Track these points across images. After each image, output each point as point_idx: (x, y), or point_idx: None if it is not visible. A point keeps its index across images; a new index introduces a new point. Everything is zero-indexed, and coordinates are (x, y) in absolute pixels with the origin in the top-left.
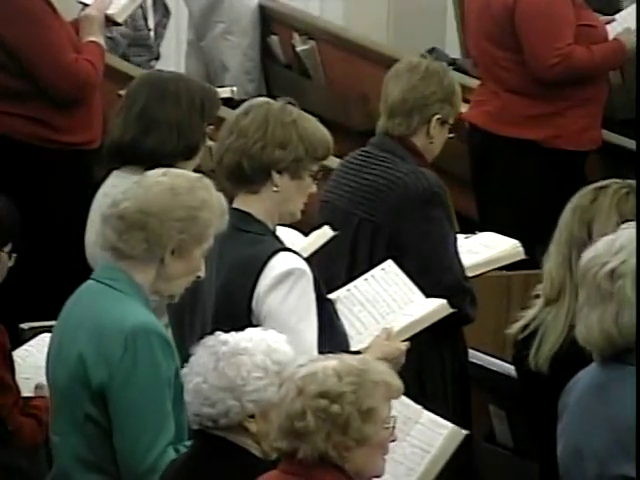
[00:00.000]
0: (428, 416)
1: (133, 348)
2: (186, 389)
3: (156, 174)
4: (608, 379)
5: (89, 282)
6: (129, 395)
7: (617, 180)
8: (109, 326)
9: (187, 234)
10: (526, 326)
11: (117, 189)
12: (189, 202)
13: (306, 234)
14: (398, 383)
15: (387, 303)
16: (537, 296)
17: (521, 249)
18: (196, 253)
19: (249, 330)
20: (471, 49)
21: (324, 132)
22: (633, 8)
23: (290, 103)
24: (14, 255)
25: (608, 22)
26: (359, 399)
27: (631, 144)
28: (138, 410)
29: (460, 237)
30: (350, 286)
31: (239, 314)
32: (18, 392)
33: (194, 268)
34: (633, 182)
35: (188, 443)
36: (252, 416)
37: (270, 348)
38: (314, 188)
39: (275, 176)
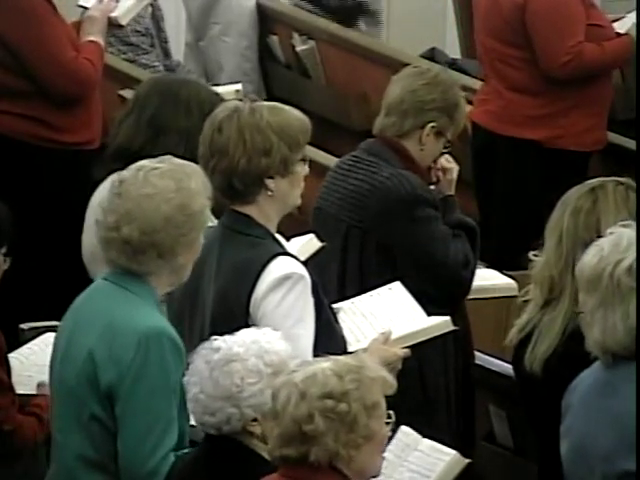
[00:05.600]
0: (428, 443)
1: (145, 350)
2: (188, 398)
3: (136, 183)
4: (616, 377)
5: (101, 282)
6: (137, 397)
7: (606, 178)
8: (122, 327)
9: (191, 230)
10: (522, 329)
11: None
12: (182, 201)
13: (303, 234)
14: (392, 379)
15: (389, 318)
16: (526, 301)
17: (515, 287)
18: (200, 238)
19: (242, 332)
20: (477, 46)
21: (298, 117)
22: None
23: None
24: (8, 258)
25: (616, 19)
26: (363, 395)
27: (631, 144)
28: (144, 413)
29: None
30: (355, 299)
31: (236, 317)
32: (14, 392)
33: (197, 250)
34: (623, 178)
35: (187, 451)
36: (254, 419)
37: (262, 350)
38: (307, 170)
39: (268, 182)
